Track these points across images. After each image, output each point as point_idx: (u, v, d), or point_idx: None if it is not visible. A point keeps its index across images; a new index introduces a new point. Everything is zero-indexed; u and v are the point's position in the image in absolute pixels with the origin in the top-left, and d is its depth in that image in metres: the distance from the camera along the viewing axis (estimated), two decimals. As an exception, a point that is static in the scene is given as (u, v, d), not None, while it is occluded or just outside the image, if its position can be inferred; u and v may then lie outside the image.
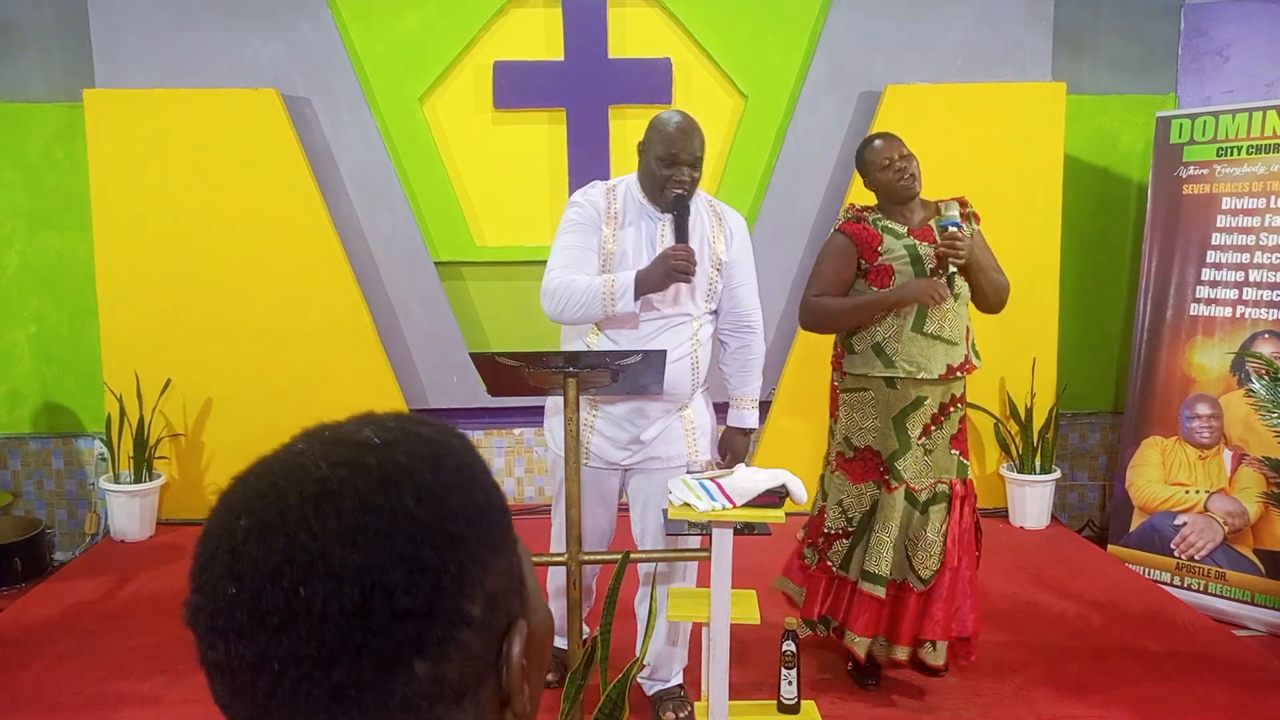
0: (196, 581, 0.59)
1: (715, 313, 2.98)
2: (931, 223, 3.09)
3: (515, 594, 0.63)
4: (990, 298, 3.15)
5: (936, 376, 3.04)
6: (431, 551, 0.57)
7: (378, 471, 0.59)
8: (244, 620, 0.56)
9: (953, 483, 3.11)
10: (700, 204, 2.95)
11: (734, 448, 3.03)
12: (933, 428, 3.10)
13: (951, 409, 3.11)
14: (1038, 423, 4.74)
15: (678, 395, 2.88)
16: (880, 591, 3.06)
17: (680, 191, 2.80)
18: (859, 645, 3.08)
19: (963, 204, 3.19)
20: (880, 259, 3.08)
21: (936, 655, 3.06)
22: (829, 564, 3.16)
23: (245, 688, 0.57)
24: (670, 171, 2.79)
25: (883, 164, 3.11)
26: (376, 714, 0.56)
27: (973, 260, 3.04)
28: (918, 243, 3.06)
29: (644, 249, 2.86)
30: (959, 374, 3.08)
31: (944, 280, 3.00)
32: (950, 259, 2.98)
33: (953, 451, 3.12)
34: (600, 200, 2.92)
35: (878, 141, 3.15)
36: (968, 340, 3.12)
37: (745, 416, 3.03)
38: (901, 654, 3.09)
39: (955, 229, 2.98)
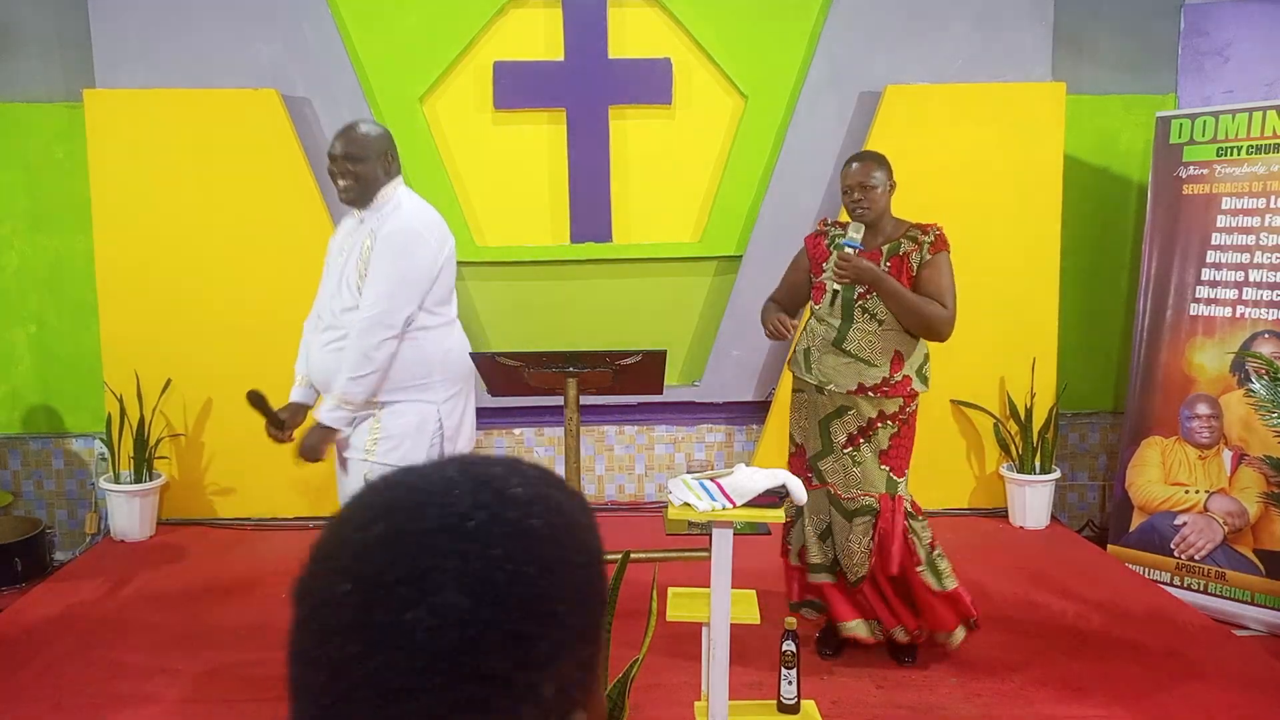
0: (314, 563, 0.60)
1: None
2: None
3: (584, 684, 0.62)
4: (909, 324, 3.20)
5: (844, 392, 3.19)
6: (535, 624, 0.57)
7: (513, 528, 0.59)
8: (344, 622, 0.57)
9: (881, 497, 3.22)
10: (380, 211, 2.98)
11: (307, 440, 2.98)
12: (860, 440, 3.23)
13: (880, 425, 3.21)
14: (1038, 423, 4.74)
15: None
16: (829, 578, 3.30)
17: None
18: (845, 628, 3.31)
19: (924, 230, 3.24)
20: (822, 275, 3.26)
21: (899, 633, 3.29)
22: (789, 549, 3.40)
23: (318, 687, 0.57)
24: (329, 168, 2.99)
25: (844, 188, 3.25)
26: None
27: (871, 283, 3.14)
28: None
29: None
30: (872, 394, 3.17)
31: (786, 325, 3.21)
32: (837, 277, 3.15)
33: (883, 467, 3.23)
34: None
35: (854, 164, 3.25)
36: (898, 364, 3.19)
37: (322, 410, 2.96)
38: (900, 634, 3.29)
39: (849, 249, 3.13)
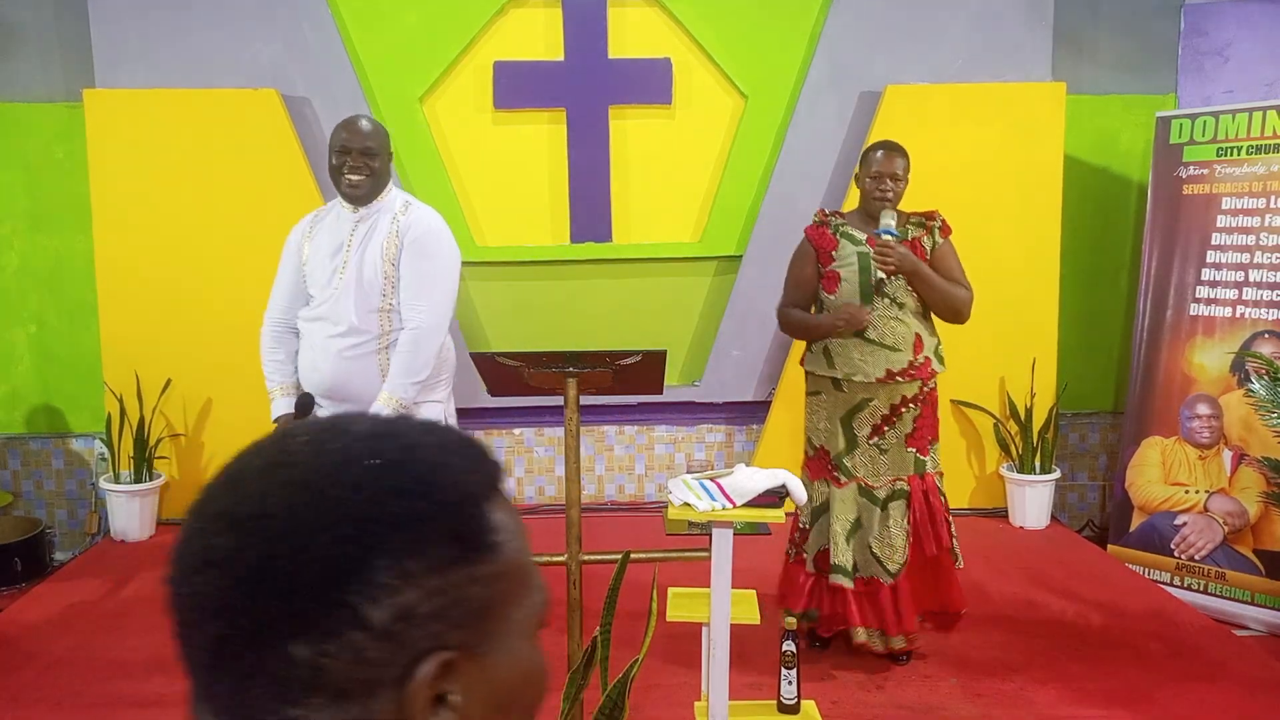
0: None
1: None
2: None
3: (463, 625, 0.60)
4: (939, 309, 3.27)
5: (873, 380, 3.19)
6: (334, 543, 0.57)
7: (333, 456, 0.60)
8: (180, 555, 0.62)
9: (910, 479, 3.27)
10: (385, 209, 2.98)
11: None
12: (885, 428, 3.25)
13: (904, 409, 3.24)
14: (1038, 423, 4.74)
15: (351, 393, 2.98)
16: (847, 582, 3.23)
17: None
18: (857, 634, 3.26)
19: (930, 217, 3.32)
20: (832, 265, 3.28)
21: (898, 641, 3.27)
22: (804, 557, 3.36)
23: (174, 627, 0.62)
24: (340, 160, 2.93)
25: (873, 172, 3.26)
26: (253, 681, 0.58)
27: (911, 271, 3.17)
28: (871, 251, 3.20)
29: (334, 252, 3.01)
30: (900, 378, 3.20)
31: (865, 308, 3.18)
32: (877, 265, 3.15)
33: (909, 449, 3.27)
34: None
35: (880, 152, 3.27)
36: (919, 347, 3.22)
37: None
38: (899, 643, 3.28)
39: (888, 237, 3.14)
